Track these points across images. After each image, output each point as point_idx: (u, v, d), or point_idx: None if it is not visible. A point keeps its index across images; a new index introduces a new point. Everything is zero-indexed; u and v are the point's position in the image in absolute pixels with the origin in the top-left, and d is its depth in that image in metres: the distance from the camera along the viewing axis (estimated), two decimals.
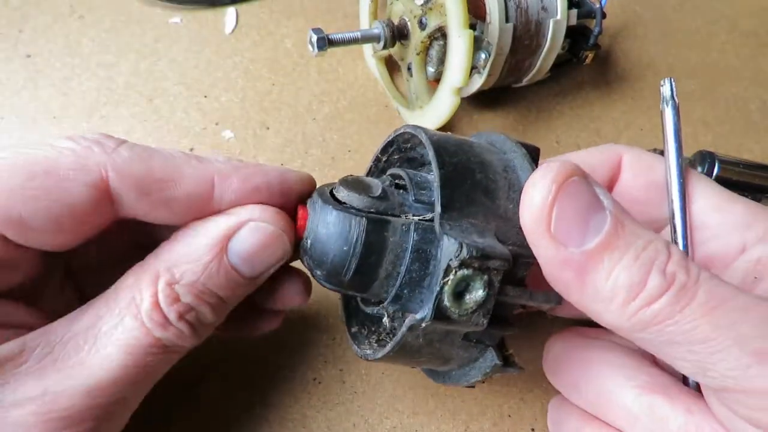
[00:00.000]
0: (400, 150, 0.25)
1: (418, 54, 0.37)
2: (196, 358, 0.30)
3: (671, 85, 0.25)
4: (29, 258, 0.22)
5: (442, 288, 0.19)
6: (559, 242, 0.18)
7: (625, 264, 0.18)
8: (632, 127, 0.42)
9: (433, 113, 0.36)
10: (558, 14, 0.36)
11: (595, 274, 0.18)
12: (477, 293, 0.19)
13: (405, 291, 0.21)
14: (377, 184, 0.22)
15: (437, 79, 0.36)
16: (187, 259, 0.20)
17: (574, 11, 0.38)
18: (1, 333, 0.20)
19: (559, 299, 0.21)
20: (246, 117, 0.40)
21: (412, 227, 0.21)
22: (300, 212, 0.22)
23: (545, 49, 0.37)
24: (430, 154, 0.21)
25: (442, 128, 0.36)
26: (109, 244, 0.25)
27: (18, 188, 0.19)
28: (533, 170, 0.21)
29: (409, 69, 0.38)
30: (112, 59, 0.42)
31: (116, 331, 0.19)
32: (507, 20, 0.35)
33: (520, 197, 0.20)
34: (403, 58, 0.39)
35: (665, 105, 0.25)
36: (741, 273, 0.23)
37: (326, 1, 0.47)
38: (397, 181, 0.23)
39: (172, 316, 0.20)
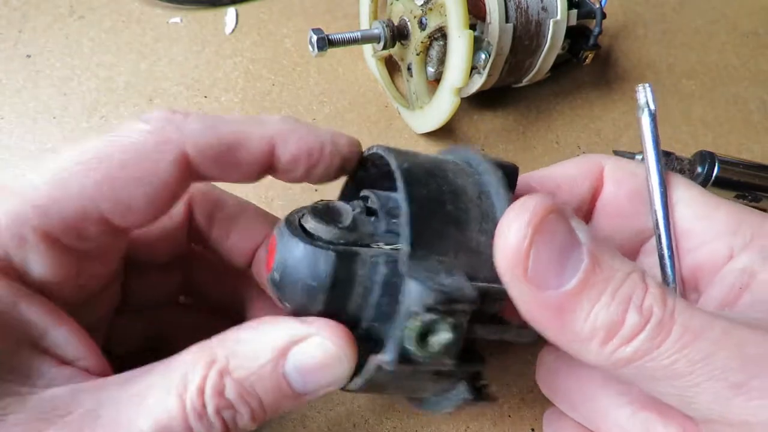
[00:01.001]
0: (375, 165, 0.25)
1: (418, 54, 0.37)
2: None
3: (646, 91, 0.25)
4: (119, 250, 0.24)
5: (403, 332, 0.19)
6: (536, 286, 0.18)
7: (603, 302, 0.18)
8: (632, 127, 0.42)
9: (433, 113, 0.36)
10: (558, 14, 0.36)
11: (573, 314, 0.18)
12: (443, 336, 0.19)
13: (375, 324, 0.20)
14: (348, 212, 0.21)
15: (437, 79, 0.36)
16: (245, 353, 0.20)
17: (574, 11, 0.38)
18: (60, 370, 0.20)
19: (534, 336, 0.21)
20: None
21: (381, 260, 0.20)
22: (271, 241, 0.22)
23: (545, 50, 0.37)
24: (399, 186, 0.20)
25: (442, 128, 0.36)
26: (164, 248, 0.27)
27: (116, 176, 0.20)
28: (509, 197, 0.21)
29: (409, 69, 0.38)
30: (112, 59, 0.42)
31: (159, 405, 0.19)
32: (507, 20, 0.35)
33: (493, 229, 0.19)
34: (403, 59, 0.39)
35: (641, 112, 0.24)
36: (729, 281, 0.23)
37: (326, 1, 0.47)
38: (368, 204, 0.22)
39: (210, 407, 0.19)
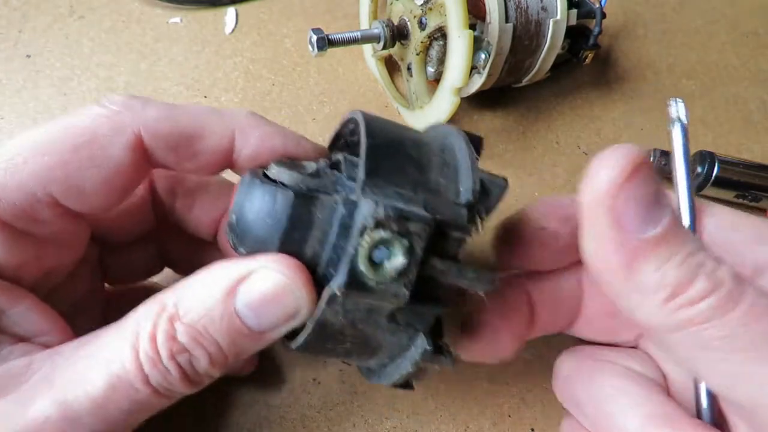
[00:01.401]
0: (348, 145, 0.24)
1: (418, 54, 0.37)
2: None
3: (679, 106, 0.24)
4: (82, 234, 0.24)
5: (356, 250, 0.18)
6: (619, 224, 0.18)
7: (676, 261, 0.18)
8: (632, 127, 0.42)
9: (433, 113, 0.36)
10: (558, 14, 0.36)
11: (645, 264, 0.18)
12: (396, 259, 0.18)
13: (330, 270, 0.20)
14: (312, 165, 0.21)
15: (437, 79, 0.36)
16: (194, 297, 0.20)
17: (574, 11, 0.38)
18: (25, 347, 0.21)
19: (493, 282, 0.20)
20: None
21: (340, 202, 0.19)
22: (233, 190, 0.21)
23: (545, 49, 0.37)
24: (361, 125, 0.20)
25: None
26: (133, 227, 0.27)
27: (68, 160, 0.20)
28: (471, 154, 0.21)
29: (408, 69, 0.38)
30: (112, 59, 0.42)
31: (113, 358, 0.19)
32: (507, 20, 0.35)
33: (455, 176, 0.19)
34: (402, 58, 0.39)
35: (673, 126, 0.24)
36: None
37: (326, 1, 0.47)
38: (334, 162, 0.22)
39: (164, 353, 0.19)
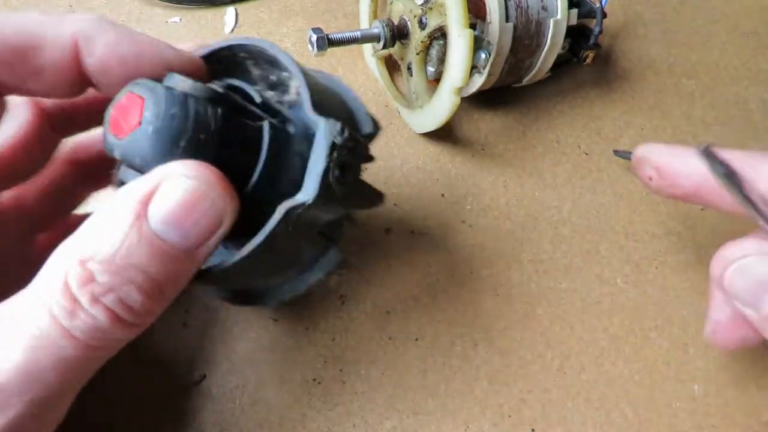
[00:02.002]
0: (226, 70, 0.24)
1: (418, 54, 0.36)
2: (195, 358, 0.30)
3: (713, 153, 0.24)
4: None
5: (328, 165, 0.20)
6: None
7: None
8: (633, 127, 0.42)
9: (433, 113, 0.36)
10: (558, 14, 0.36)
11: None
12: (350, 173, 0.21)
13: (276, 184, 0.21)
14: (213, 85, 0.21)
15: (437, 79, 0.36)
16: (100, 233, 0.17)
17: (575, 11, 0.37)
18: None
19: (380, 202, 0.25)
20: None
21: (292, 122, 0.21)
22: (128, 98, 0.19)
23: (545, 49, 0.37)
24: (282, 56, 0.22)
25: (442, 128, 0.36)
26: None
27: None
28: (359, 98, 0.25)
29: (409, 69, 0.38)
30: None
31: (23, 325, 0.17)
32: (507, 20, 0.34)
33: (351, 113, 0.23)
34: (403, 58, 0.39)
35: (720, 179, 0.24)
36: None
37: (326, 1, 0.47)
38: (233, 87, 0.22)
39: (84, 299, 0.17)
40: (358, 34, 0.37)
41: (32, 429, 0.17)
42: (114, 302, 0.17)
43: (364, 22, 0.42)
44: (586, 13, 0.39)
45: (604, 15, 0.39)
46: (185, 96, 0.19)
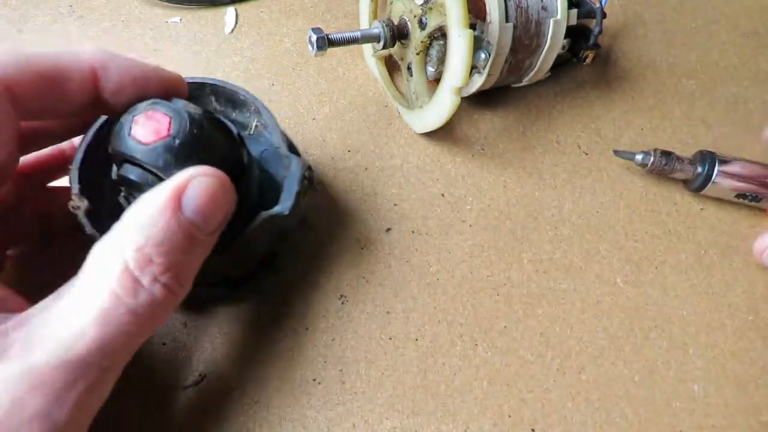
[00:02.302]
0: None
1: (418, 54, 0.36)
2: (194, 358, 0.30)
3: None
4: None
5: (301, 188, 0.27)
6: None
7: None
8: (633, 127, 0.42)
9: (433, 113, 0.36)
10: (558, 14, 0.36)
11: None
12: (307, 194, 0.29)
13: (254, 196, 0.28)
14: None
15: (437, 79, 0.36)
16: (147, 223, 0.21)
17: (574, 11, 0.38)
18: None
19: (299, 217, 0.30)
20: None
21: (283, 155, 0.29)
22: (152, 115, 0.24)
23: (545, 49, 0.37)
24: (259, 103, 0.30)
25: (442, 128, 0.36)
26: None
27: None
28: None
29: (409, 69, 0.38)
30: None
31: (90, 306, 0.20)
32: (507, 20, 0.34)
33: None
34: (403, 58, 0.39)
35: None
36: None
37: (326, 1, 0.47)
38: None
39: (145, 279, 0.20)
40: (358, 34, 0.37)
41: (101, 395, 0.21)
42: (170, 279, 0.21)
43: (364, 22, 0.42)
44: (586, 14, 0.39)
45: (604, 15, 0.39)
46: (201, 118, 0.24)
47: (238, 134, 0.27)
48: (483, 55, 0.34)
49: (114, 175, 0.25)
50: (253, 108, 0.31)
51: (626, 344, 0.33)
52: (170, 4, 0.45)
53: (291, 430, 0.28)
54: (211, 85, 0.30)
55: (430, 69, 0.37)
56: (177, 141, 0.23)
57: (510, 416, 0.30)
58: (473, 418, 0.29)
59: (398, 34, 0.37)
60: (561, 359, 0.32)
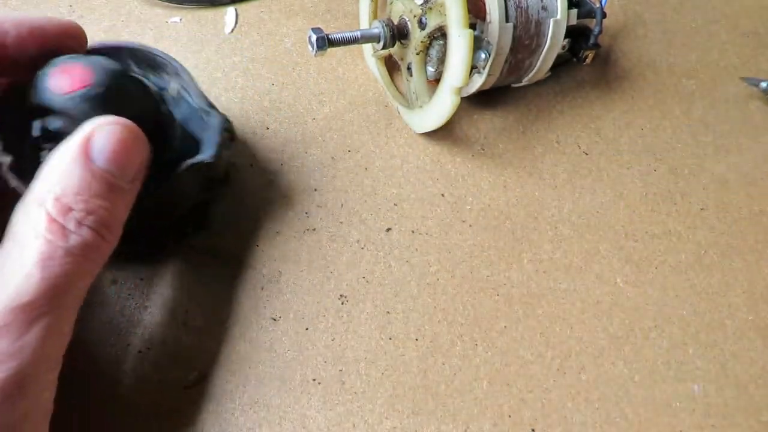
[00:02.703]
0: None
1: (417, 54, 0.36)
2: (194, 359, 0.30)
3: None
4: None
5: (221, 140, 0.30)
6: None
7: None
8: (633, 127, 0.42)
9: (432, 113, 0.36)
10: (558, 14, 0.36)
11: None
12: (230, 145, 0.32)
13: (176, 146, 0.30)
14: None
15: (437, 79, 0.36)
16: (62, 173, 0.22)
17: (575, 11, 0.37)
18: None
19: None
20: (245, 117, 0.40)
21: (202, 109, 0.31)
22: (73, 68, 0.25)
23: (545, 49, 0.37)
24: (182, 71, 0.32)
25: (442, 128, 0.36)
26: None
27: None
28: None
29: (409, 69, 0.38)
30: None
31: (29, 254, 0.21)
32: (507, 20, 0.34)
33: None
34: (402, 58, 0.39)
35: None
36: None
37: (326, 1, 0.47)
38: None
39: (70, 225, 0.22)
40: (358, 34, 0.36)
41: (62, 334, 0.22)
42: (94, 223, 0.22)
43: (364, 22, 0.42)
44: (586, 14, 0.39)
45: (604, 15, 0.39)
46: (119, 71, 0.26)
47: (157, 92, 0.30)
48: (483, 55, 0.34)
49: (36, 131, 0.26)
50: (171, 70, 0.32)
51: (626, 344, 0.33)
52: (170, 4, 0.45)
53: (291, 430, 0.28)
54: (128, 48, 0.31)
55: (430, 69, 0.37)
56: (96, 90, 0.25)
57: (510, 416, 0.30)
58: (473, 418, 0.29)
59: (398, 34, 0.37)
60: (561, 359, 0.32)
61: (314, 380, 0.30)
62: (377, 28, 0.37)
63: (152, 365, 0.30)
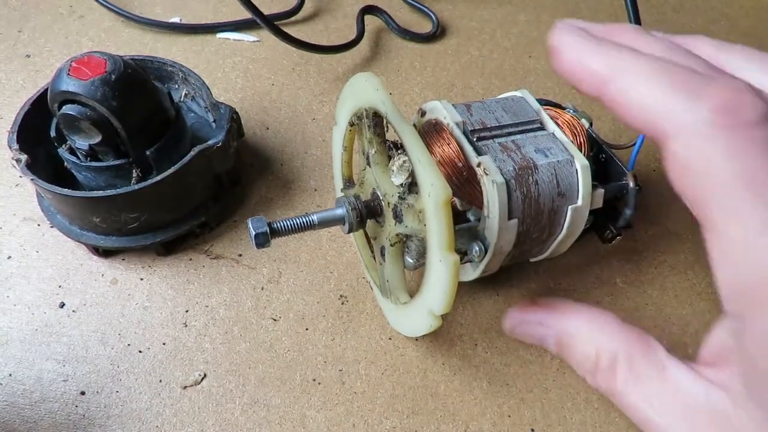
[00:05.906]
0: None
1: (393, 245, 0.28)
2: (194, 358, 0.30)
3: None
4: None
5: (230, 126, 0.33)
6: None
7: None
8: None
9: (409, 320, 0.28)
10: (579, 200, 0.28)
11: None
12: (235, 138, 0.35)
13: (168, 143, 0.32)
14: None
15: (418, 269, 0.28)
16: None
17: (600, 192, 0.29)
18: None
19: None
20: (246, 117, 0.40)
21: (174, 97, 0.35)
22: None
23: (560, 237, 0.29)
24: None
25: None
26: None
27: None
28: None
29: (382, 254, 0.29)
30: None
31: None
32: (510, 216, 0.26)
33: None
34: (375, 237, 0.30)
35: None
36: None
37: (327, 1, 0.47)
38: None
39: None
40: (314, 218, 0.28)
41: None
42: None
43: (338, 179, 0.34)
44: (616, 190, 0.31)
45: (639, 189, 0.30)
46: (133, 64, 0.30)
47: (168, 92, 0.33)
48: (477, 248, 0.27)
49: (56, 118, 0.30)
50: (179, 78, 0.36)
51: None
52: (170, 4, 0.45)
53: (291, 430, 0.28)
54: (136, 61, 0.33)
55: (410, 260, 0.29)
56: (113, 76, 0.28)
57: (509, 416, 0.30)
58: (473, 418, 0.29)
59: (368, 213, 0.28)
60: (561, 359, 0.32)
61: (314, 380, 0.30)
62: (341, 208, 0.28)
63: (152, 365, 0.30)
